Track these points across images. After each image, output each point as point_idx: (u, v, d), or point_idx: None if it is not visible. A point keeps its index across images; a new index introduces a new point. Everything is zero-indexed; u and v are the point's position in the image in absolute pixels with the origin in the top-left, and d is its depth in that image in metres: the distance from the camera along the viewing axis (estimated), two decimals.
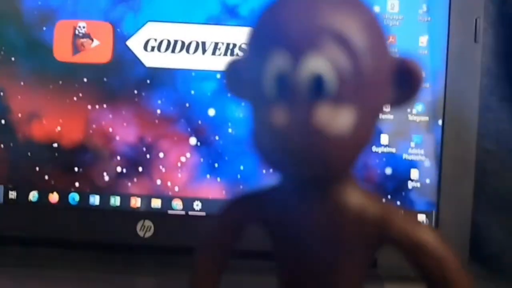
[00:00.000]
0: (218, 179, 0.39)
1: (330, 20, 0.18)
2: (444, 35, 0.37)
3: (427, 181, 0.38)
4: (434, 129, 0.37)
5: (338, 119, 0.18)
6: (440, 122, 0.37)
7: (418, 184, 0.38)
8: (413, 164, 0.38)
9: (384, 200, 0.21)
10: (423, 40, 0.37)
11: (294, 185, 0.20)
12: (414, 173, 0.38)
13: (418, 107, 0.37)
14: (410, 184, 0.38)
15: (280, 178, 0.21)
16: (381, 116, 0.19)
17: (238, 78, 0.20)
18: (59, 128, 0.39)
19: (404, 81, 0.19)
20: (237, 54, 0.38)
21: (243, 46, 0.20)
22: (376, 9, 0.37)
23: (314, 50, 0.17)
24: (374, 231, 0.20)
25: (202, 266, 0.23)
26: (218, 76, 0.38)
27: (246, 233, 0.23)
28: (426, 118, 0.37)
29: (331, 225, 0.20)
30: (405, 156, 0.38)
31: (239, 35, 0.38)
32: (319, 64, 0.17)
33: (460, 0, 0.37)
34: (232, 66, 0.20)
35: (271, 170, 0.19)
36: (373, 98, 0.18)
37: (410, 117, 0.38)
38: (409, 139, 0.38)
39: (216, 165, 0.39)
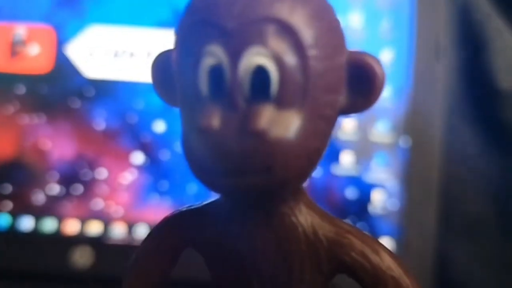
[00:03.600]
0: (167, 201, 0.35)
1: (275, 7, 0.15)
2: (407, 53, 0.35)
3: (391, 205, 0.35)
4: (398, 151, 0.35)
5: (282, 123, 0.15)
6: (404, 144, 0.35)
7: (382, 208, 0.35)
8: (376, 186, 0.35)
9: (340, 220, 0.18)
10: (386, 58, 0.35)
11: (236, 201, 0.17)
12: (378, 196, 0.35)
13: (382, 128, 0.35)
14: (373, 208, 0.35)
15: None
16: (336, 121, 0.16)
17: (166, 76, 0.17)
18: None
19: (361, 82, 0.16)
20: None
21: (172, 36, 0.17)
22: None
23: (256, 42, 0.15)
24: (328, 256, 0.17)
25: None
26: None
27: (182, 259, 0.19)
28: (390, 139, 0.35)
29: (278, 248, 0.17)
30: (368, 179, 0.35)
31: None
32: (261, 58, 0.15)
33: (423, 19, 0.35)
34: (159, 63, 0.18)
35: (206, 187, 0.16)
36: (323, 100, 0.16)
37: (374, 138, 0.35)
38: (372, 161, 0.35)
39: (164, 184, 0.35)
